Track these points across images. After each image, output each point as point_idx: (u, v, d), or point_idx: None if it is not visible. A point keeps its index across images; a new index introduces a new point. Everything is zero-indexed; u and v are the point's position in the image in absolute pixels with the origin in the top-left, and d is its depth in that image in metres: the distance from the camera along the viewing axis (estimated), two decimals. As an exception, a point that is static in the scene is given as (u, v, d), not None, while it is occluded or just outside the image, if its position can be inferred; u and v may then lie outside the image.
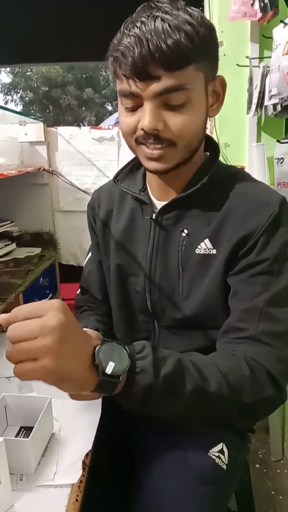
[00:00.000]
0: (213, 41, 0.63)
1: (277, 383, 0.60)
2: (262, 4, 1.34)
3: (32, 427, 0.61)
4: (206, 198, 0.70)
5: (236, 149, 1.56)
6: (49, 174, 1.78)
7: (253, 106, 1.45)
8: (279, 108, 1.34)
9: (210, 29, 0.61)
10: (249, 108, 1.49)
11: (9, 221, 1.60)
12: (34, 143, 1.75)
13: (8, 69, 14.65)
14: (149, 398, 0.53)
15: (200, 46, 0.58)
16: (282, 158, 1.38)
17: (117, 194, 0.84)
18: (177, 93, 0.60)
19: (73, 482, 0.58)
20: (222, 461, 0.65)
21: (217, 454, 0.65)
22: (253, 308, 0.63)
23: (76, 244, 1.88)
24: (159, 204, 0.75)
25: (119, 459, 0.77)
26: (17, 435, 0.68)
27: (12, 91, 16.59)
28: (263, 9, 1.34)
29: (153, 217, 0.74)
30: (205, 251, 0.69)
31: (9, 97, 16.72)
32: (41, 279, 1.51)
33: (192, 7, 0.61)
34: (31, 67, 14.49)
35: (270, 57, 1.33)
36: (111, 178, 0.83)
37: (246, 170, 1.39)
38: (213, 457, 0.65)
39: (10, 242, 1.53)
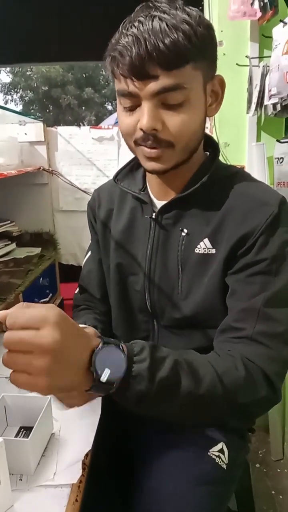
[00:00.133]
0: (211, 40, 0.63)
1: (272, 384, 0.60)
2: (261, 3, 1.34)
3: (32, 427, 0.61)
4: (205, 198, 0.70)
5: (236, 149, 1.56)
6: (49, 174, 1.78)
7: (253, 106, 1.45)
8: (278, 107, 1.34)
9: (208, 28, 0.61)
10: (248, 107, 1.49)
11: (9, 221, 1.60)
12: (34, 143, 1.75)
13: (8, 68, 14.68)
14: (143, 401, 0.53)
15: (198, 45, 0.58)
16: (281, 158, 1.38)
17: (117, 193, 0.84)
18: (175, 93, 0.60)
19: (73, 482, 0.58)
20: (222, 461, 0.65)
21: (217, 454, 0.65)
22: (250, 308, 0.63)
23: (76, 244, 1.88)
24: (159, 204, 0.75)
25: (119, 459, 0.77)
26: (16, 435, 0.68)
27: (12, 90, 16.57)
28: (263, 8, 1.34)
29: (153, 216, 0.74)
30: (205, 251, 0.69)
31: (9, 97, 16.73)
32: (41, 279, 1.50)
33: (190, 7, 0.61)
34: (31, 67, 14.47)
35: (269, 56, 1.33)
36: (111, 177, 0.83)
37: (246, 169, 1.39)
38: (213, 457, 0.65)
39: (10, 242, 1.53)
